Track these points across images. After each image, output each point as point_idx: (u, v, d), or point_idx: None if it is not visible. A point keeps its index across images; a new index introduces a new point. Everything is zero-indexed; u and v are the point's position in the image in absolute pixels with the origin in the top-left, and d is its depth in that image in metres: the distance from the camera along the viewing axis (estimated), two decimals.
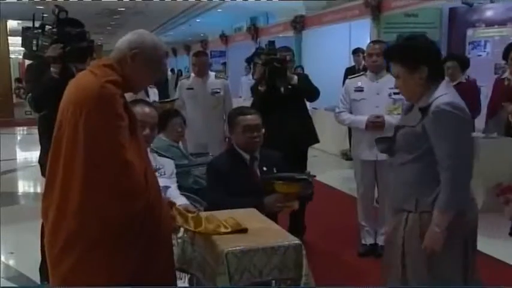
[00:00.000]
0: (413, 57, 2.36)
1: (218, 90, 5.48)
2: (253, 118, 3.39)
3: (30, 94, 3.52)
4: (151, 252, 2.18)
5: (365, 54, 4.71)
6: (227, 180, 3.24)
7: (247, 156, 3.38)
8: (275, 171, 3.33)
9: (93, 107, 2.06)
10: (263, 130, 3.46)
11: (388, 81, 4.11)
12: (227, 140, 5.57)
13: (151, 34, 2.31)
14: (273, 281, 2.54)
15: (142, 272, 2.16)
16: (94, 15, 16.11)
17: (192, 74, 5.64)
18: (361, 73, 4.66)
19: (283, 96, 4.54)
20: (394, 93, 4.11)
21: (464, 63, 5.82)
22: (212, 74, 5.68)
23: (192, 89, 5.51)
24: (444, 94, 2.32)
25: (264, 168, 3.37)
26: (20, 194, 7.17)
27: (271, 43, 4.93)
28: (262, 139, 3.43)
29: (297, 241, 2.50)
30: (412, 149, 2.38)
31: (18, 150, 11.72)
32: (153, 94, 5.34)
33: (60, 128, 2.15)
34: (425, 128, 2.33)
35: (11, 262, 4.36)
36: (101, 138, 2.06)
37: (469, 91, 5.49)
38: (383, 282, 2.60)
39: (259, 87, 4.63)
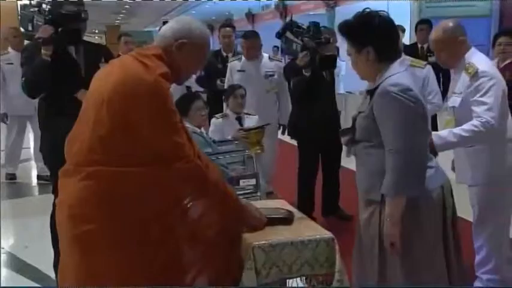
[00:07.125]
0: (358, 37, 2.35)
1: (272, 73, 5.39)
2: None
3: (23, 78, 3.47)
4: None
5: None
6: None
7: None
8: None
9: (148, 103, 2.09)
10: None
11: None
12: (281, 127, 5.54)
13: (197, 21, 2.33)
14: (304, 278, 2.54)
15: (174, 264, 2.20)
16: None
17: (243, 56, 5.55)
18: None
19: (328, 82, 4.56)
20: None
21: None
22: (266, 55, 5.59)
23: (243, 71, 5.43)
24: (392, 75, 2.30)
25: None
26: (33, 185, 7.23)
27: (316, 24, 4.76)
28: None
29: (329, 234, 2.50)
30: (370, 137, 2.36)
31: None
32: None
33: (85, 115, 2.19)
34: (373, 112, 2.31)
35: (25, 256, 4.43)
36: (156, 136, 2.12)
37: None
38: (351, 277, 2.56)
39: (305, 72, 4.54)
